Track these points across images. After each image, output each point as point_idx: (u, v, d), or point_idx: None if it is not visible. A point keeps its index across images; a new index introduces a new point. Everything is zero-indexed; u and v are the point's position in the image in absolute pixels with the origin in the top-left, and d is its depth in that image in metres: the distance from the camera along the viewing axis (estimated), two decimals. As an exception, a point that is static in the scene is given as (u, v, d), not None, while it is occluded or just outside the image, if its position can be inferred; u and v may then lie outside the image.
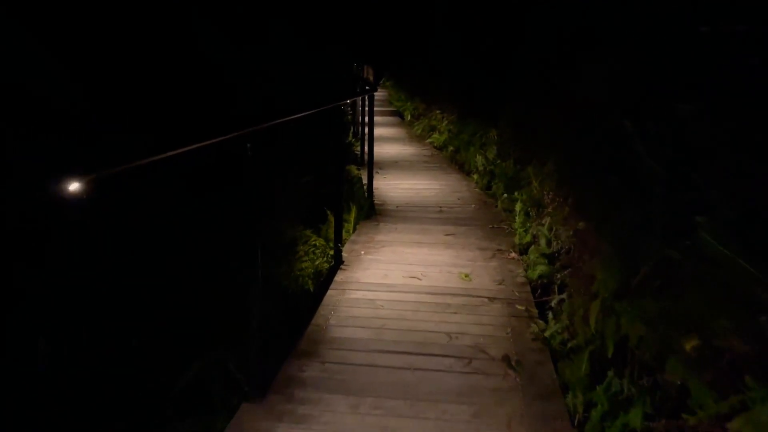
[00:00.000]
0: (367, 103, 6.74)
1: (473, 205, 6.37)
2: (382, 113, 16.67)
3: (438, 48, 11.63)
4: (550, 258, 3.97)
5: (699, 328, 1.93)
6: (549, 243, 4.09)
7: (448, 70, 10.69)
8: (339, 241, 4.47)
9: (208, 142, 2.32)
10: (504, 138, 6.85)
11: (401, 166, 8.91)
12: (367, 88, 6.36)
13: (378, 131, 13.12)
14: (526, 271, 4.28)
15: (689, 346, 1.89)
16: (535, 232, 4.56)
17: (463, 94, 9.50)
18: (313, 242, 4.40)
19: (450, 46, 10.57)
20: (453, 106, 10.10)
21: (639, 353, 2.30)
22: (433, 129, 11.20)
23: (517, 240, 4.84)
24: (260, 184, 2.69)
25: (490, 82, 7.92)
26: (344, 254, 4.63)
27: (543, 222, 4.46)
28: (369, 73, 36.28)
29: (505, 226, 5.50)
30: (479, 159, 7.43)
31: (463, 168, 8.62)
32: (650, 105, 2.68)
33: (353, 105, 10.15)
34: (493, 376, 2.86)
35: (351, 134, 9.90)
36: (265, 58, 5.79)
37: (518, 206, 5.00)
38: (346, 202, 5.78)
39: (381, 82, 28.69)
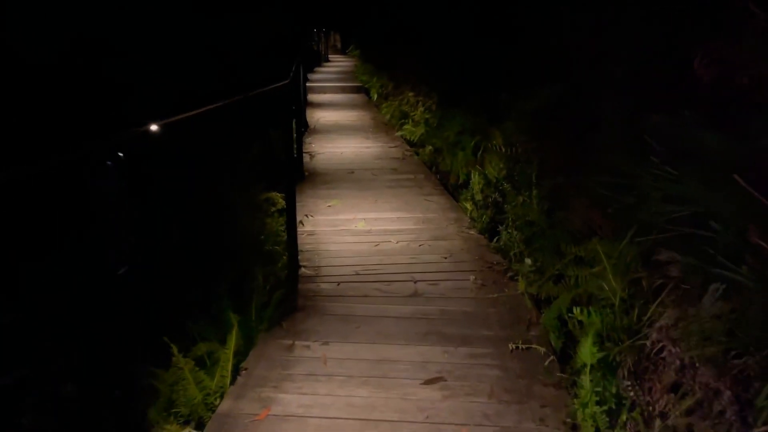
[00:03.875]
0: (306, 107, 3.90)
1: (472, 276, 3.64)
2: (344, 90, 13.77)
3: (407, 5, 8.72)
4: None
5: None
6: None
7: (422, 35, 7.84)
8: None
9: None
10: (519, 149, 4.09)
11: (359, 178, 6.11)
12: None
13: (337, 116, 10.27)
14: None
15: None
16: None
17: (444, 70, 6.68)
18: None
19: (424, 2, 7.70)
20: (431, 87, 7.28)
21: None
22: (404, 116, 8.37)
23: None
24: None
25: (487, 52, 5.12)
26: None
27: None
28: (336, 40, 32.99)
29: (542, 348, 2.79)
30: (476, 179, 4.67)
31: (446, 181, 5.88)
32: None
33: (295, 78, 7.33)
34: None
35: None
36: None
37: (586, 356, 2.24)
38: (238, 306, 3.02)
39: (348, 50, 25.56)
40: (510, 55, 4.54)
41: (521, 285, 3.34)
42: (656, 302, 1.96)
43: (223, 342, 2.84)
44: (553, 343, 2.81)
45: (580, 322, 2.41)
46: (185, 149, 3.07)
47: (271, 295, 3.33)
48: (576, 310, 2.41)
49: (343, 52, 28.14)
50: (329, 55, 25.10)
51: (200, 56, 4.45)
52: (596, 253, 2.53)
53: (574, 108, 3.15)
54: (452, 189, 5.73)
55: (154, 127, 1.65)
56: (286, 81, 3.21)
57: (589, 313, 2.34)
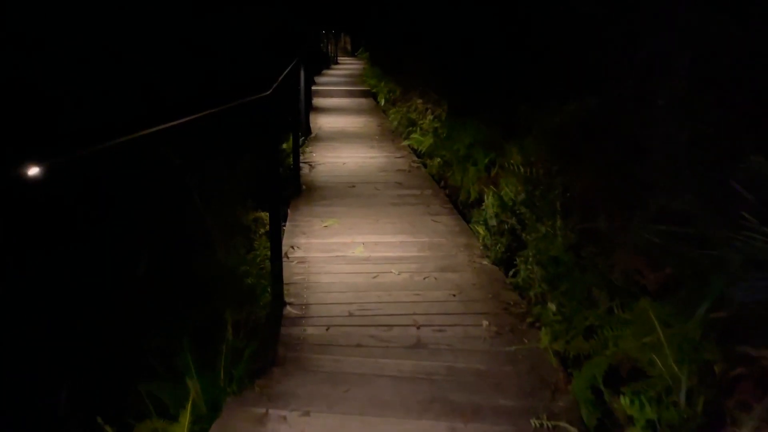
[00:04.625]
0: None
1: (485, 321, 3.11)
2: (352, 94, 13.29)
3: (417, 7, 8.20)
4: None
5: None
6: None
7: (432, 38, 7.32)
8: None
9: None
10: (540, 170, 3.56)
11: (360, 193, 5.60)
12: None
13: (342, 122, 9.76)
14: None
15: None
16: None
17: (455, 76, 6.16)
18: None
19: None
20: (440, 95, 6.76)
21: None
22: (412, 124, 7.86)
23: None
24: None
25: (503, 57, 4.60)
26: None
27: None
28: (346, 42, 32.55)
29: (573, 429, 2.25)
30: (490, 201, 4.14)
31: (455, 197, 5.36)
32: None
33: (293, 76, 6.88)
34: None
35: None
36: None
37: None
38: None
39: (357, 52, 25.10)
40: (530, 62, 4.02)
41: (544, 338, 2.80)
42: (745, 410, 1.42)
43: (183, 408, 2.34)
44: (585, 421, 2.27)
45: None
46: (141, 171, 2.57)
47: (249, 340, 2.84)
48: (624, 401, 1.87)
49: (352, 54, 27.72)
50: (338, 57, 24.66)
51: (180, 58, 3.96)
52: (646, 317, 2.00)
53: (611, 128, 2.62)
54: (462, 207, 5.21)
55: (32, 171, 1.13)
56: (267, 92, 2.69)
57: (641, 404, 1.81)
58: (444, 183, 5.93)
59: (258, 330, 2.99)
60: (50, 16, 2.38)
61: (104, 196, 2.48)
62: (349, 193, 5.63)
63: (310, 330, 3.03)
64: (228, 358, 2.58)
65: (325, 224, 4.68)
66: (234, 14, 5.18)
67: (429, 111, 7.18)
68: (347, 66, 22.33)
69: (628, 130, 2.40)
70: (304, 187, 5.77)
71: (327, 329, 3.04)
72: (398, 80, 9.79)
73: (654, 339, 1.93)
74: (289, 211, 5.02)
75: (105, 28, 2.76)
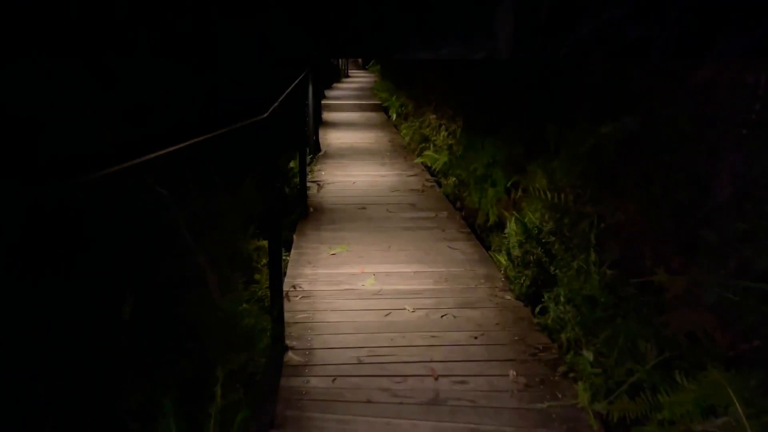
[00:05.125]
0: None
1: (512, 370, 2.74)
2: (362, 108, 13.00)
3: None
4: None
5: None
6: None
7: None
8: None
9: None
10: (569, 196, 3.20)
11: (371, 216, 5.26)
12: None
13: (352, 137, 9.46)
14: None
15: None
16: None
17: (471, 89, 5.83)
18: None
19: None
20: (455, 110, 6.42)
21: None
22: (425, 140, 7.53)
23: None
24: None
25: (524, 70, 4.27)
26: None
27: None
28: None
29: None
30: (513, 228, 3.77)
31: (472, 219, 5.01)
32: None
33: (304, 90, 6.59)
34: None
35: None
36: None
37: None
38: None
39: (368, 65, 24.89)
40: (557, 75, 3.68)
41: (582, 395, 2.43)
42: None
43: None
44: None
45: None
46: (120, 204, 2.26)
47: (245, 392, 2.50)
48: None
49: (363, 67, 27.53)
50: (349, 71, 24.47)
51: (176, 71, 3.65)
52: (719, 392, 1.64)
53: (659, 155, 2.27)
54: (480, 230, 4.85)
55: None
56: (264, 115, 2.38)
57: None
58: (460, 204, 5.59)
59: (256, 379, 2.65)
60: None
61: (72, 233, 2.17)
62: (359, 215, 5.29)
63: (313, 381, 2.68)
64: (218, 421, 2.24)
65: (333, 252, 4.34)
66: (239, 24, 4.90)
67: (443, 127, 6.84)
68: (358, 79, 22.12)
69: (682, 158, 2.05)
70: (311, 209, 5.45)
71: (333, 380, 2.69)
72: (410, 94, 9.48)
73: (730, 421, 1.57)
74: (294, 236, 4.70)
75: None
